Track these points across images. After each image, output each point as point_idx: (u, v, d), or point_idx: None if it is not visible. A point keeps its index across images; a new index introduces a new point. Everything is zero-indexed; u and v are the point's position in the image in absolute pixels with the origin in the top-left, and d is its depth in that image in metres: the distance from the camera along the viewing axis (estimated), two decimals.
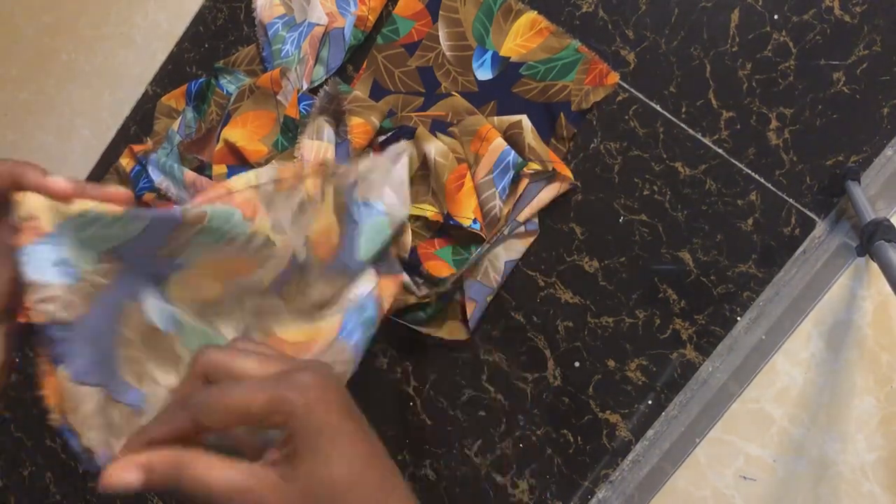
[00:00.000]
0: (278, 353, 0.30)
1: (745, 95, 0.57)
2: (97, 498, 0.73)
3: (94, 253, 0.30)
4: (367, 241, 0.47)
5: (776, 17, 0.56)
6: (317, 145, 0.62)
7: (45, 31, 0.80)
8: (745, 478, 0.56)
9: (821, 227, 0.56)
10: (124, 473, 0.26)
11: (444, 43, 0.64)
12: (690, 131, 0.58)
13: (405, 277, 0.56)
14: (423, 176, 0.60)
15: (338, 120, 0.64)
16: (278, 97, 0.66)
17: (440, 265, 0.57)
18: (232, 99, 0.68)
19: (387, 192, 0.49)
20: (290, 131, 0.65)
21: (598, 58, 0.60)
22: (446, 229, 0.59)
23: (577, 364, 0.59)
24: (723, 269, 0.57)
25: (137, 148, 0.71)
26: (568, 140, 0.60)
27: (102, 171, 0.76)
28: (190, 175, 0.64)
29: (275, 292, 0.41)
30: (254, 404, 0.26)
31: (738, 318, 0.57)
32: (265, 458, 0.27)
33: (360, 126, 0.61)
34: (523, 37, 0.62)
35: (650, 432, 0.58)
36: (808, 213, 0.56)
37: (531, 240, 0.61)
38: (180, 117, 0.72)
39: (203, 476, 0.26)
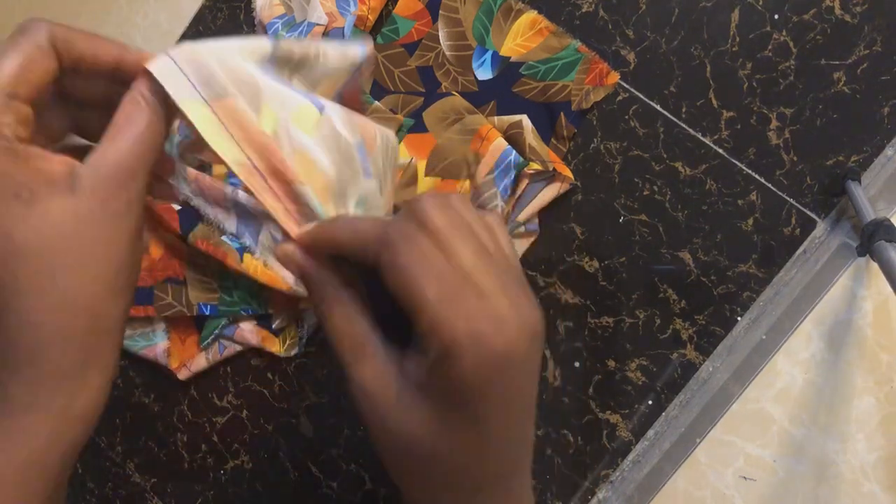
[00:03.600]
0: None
1: (745, 95, 0.57)
2: (96, 498, 0.73)
3: None
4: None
5: (776, 16, 0.56)
6: None
7: None
8: (745, 478, 0.56)
9: (821, 227, 0.56)
10: (288, 266, 0.25)
11: (444, 43, 0.63)
12: (691, 131, 0.58)
13: None
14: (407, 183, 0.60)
15: None
16: None
17: None
18: None
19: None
20: None
21: (598, 57, 0.60)
22: None
23: (577, 364, 0.59)
24: (723, 269, 0.57)
25: None
26: (568, 140, 0.60)
27: None
28: (192, 172, 0.64)
29: None
30: (424, 300, 0.19)
31: (739, 318, 0.57)
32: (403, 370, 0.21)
33: None
34: (523, 36, 0.61)
35: (650, 432, 0.58)
36: (809, 212, 0.56)
37: (531, 240, 0.61)
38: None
39: (337, 327, 0.23)
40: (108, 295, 0.24)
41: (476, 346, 0.18)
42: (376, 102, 0.63)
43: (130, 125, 0.26)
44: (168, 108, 0.27)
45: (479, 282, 0.19)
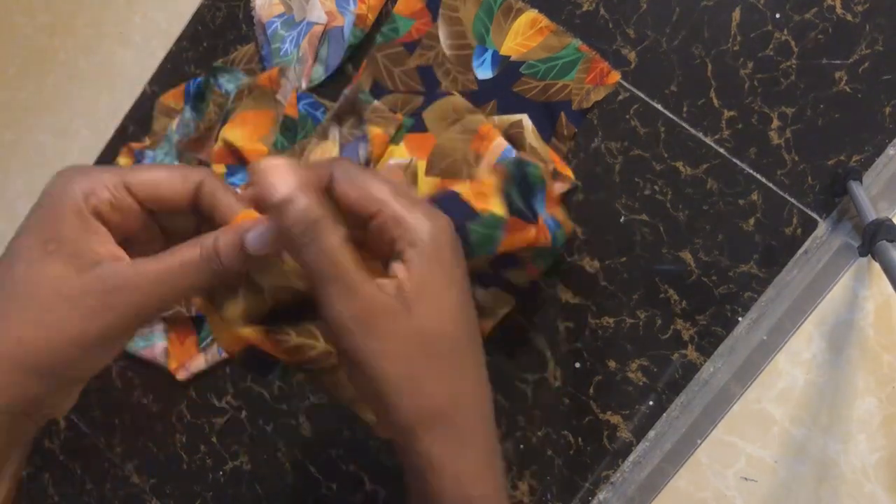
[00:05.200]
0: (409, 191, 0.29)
1: (746, 95, 0.57)
2: (95, 499, 0.73)
3: None
4: None
5: (778, 15, 0.56)
6: (322, 145, 0.62)
7: (43, 30, 0.80)
8: (746, 479, 0.56)
9: (822, 227, 0.56)
10: (278, 176, 0.24)
11: (444, 42, 0.63)
12: (692, 131, 0.58)
13: None
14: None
15: (341, 121, 0.64)
16: (277, 96, 0.65)
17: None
18: (231, 98, 0.67)
19: None
20: (290, 130, 0.65)
21: (598, 57, 0.59)
22: None
23: (577, 365, 0.59)
24: (724, 269, 0.57)
25: (136, 145, 0.71)
26: (568, 139, 0.60)
27: None
28: None
29: None
30: (390, 209, 0.25)
31: (740, 319, 0.56)
32: (382, 280, 0.25)
33: (379, 136, 0.61)
34: (524, 35, 0.61)
35: (651, 433, 0.58)
36: (810, 212, 0.56)
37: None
38: (179, 116, 0.72)
39: (336, 251, 0.24)
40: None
41: (431, 235, 0.25)
42: (376, 102, 0.63)
43: (175, 260, 0.26)
44: (226, 271, 0.27)
45: (415, 199, 0.26)
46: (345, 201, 0.26)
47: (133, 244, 0.28)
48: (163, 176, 0.28)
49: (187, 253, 0.26)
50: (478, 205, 0.43)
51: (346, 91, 0.63)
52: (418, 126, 0.63)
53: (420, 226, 0.25)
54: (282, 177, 0.24)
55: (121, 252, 0.26)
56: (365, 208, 0.26)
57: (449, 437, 0.27)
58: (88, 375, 0.28)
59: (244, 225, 0.26)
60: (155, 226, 0.29)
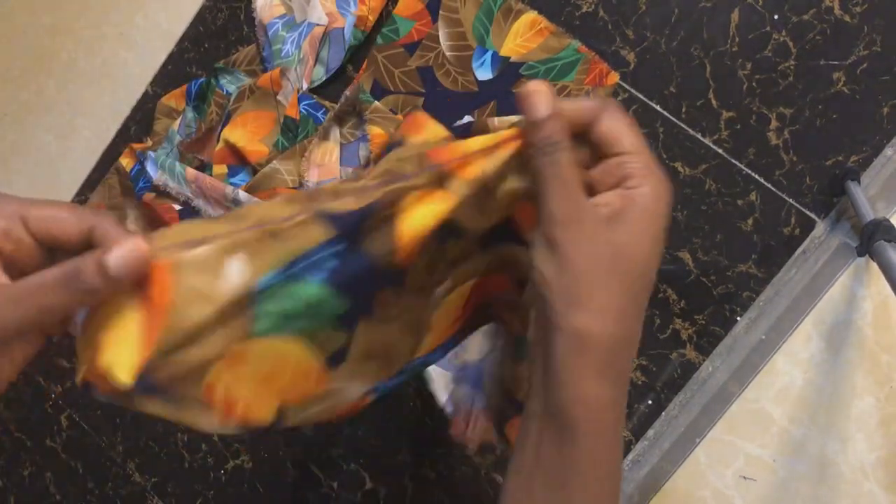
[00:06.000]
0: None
1: (745, 95, 0.57)
2: (97, 498, 0.73)
3: None
4: None
5: (776, 17, 0.56)
6: (323, 146, 0.63)
7: (45, 31, 0.80)
8: (745, 478, 0.56)
9: (821, 227, 0.56)
10: (543, 99, 0.30)
11: (444, 43, 0.64)
12: (690, 131, 0.58)
13: None
14: None
15: (342, 122, 0.64)
16: (278, 97, 0.66)
17: None
18: (232, 99, 0.68)
19: None
20: (291, 131, 0.65)
21: (598, 58, 0.60)
22: None
23: None
24: (723, 268, 0.57)
25: (137, 146, 0.71)
26: None
27: (103, 170, 0.76)
28: (192, 172, 0.64)
29: None
30: (641, 156, 0.29)
31: (738, 318, 0.57)
32: (598, 198, 0.30)
33: (379, 136, 0.61)
34: (523, 37, 0.62)
35: (650, 432, 0.58)
36: (808, 213, 0.56)
37: None
38: (180, 117, 0.72)
39: (567, 166, 0.29)
40: None
41: (657, 192, 0.29)
42: (376, 103, 0.63)
43: (37, 279, 0.27)
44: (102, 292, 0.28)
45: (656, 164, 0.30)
46: (604, 136, 0.31)
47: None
48: (60, 215, 0.29)
49: (50, 273, 0.27)
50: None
51: (347, 92, 0.63)
52: None
53: (654, 182, 0.29)
54: (543, 102, 0.30)
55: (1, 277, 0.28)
56: (615, 147, 0.30)
57: (593, 348, 0.30)
58: None
59: (107, 247, 0.28)
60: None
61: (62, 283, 0.27)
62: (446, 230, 0.36)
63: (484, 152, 0.35)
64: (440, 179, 0.34)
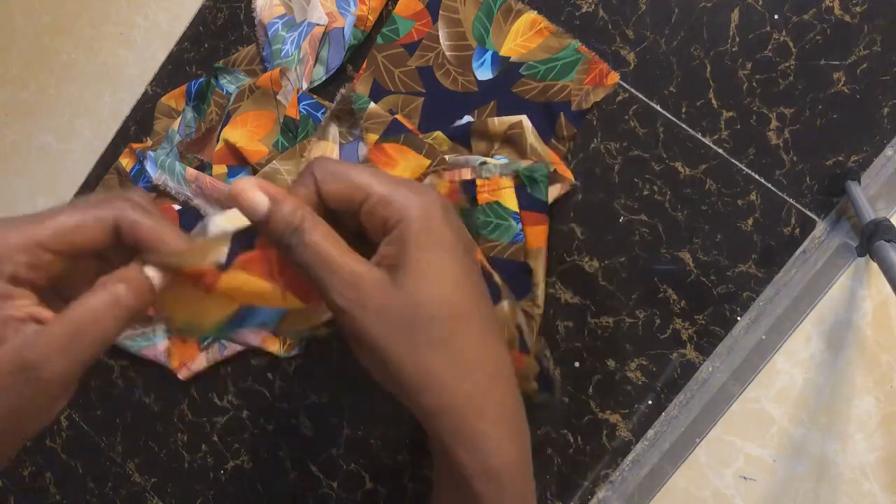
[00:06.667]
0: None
1: (745, 95, 0.57)
2: (96, 498, 0.73)
3: None
4: None
5: (776, 16, 0.56)
6: (322, 145, 0.63)
7: (44, 30, 0.80)
8: (745, 478, 0.56)
9: (821, 227, 0.56)
10: (255, 194, 0.25)
11: (444, 43, 0.64)
12: (690, 131, 0.58)
13: None
14: None
15: (340, 120, 0.64)
16: (278, 97, 0.66)
17: None
18: (232, 99, 0.68)
19: None
20: (291, 131, 0.65)
21: (598, 58, 0.60)
22: None
23: (576, 364, 0.59)
24: (723, 268, 0.57)
25: (137, 146, 0.71)
26: (568, 140, 0.60)
27: (103, 170, 0.76)
28: (191, 172, 0.64)
29: None
30: (374, 191, 0.26)
31: (739, 318, 0.57)
32: (374, 258, 0.27)
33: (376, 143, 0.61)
34: (523, 37, 0.62)
35: (650, 432, 0.58)
36: (808, 212, 0.56)
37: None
38: (180, 117, 0.72)
39: (320, 242, 0.25)
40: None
41: (420, 208, 0.26)
42: (371, 106, 0.63)
43: (85, 312, 0.25)
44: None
45: (399, 180, 0.27)
46: (334, 197, 0.27)
47: (64, 288, 0.28)
48: (73, 223, 0.27)
49: (93, 301, 0.25)
50: (486, 196, 0.49)
51: (343, 90, 0.63)
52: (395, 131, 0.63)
53: (407, 201, 0.26)
54: (257, 193, 0.25)
55: (41, 312, 0.26)
56: (352, 198, 0.27)
57: (461, 410, 0.27)
58: (21, 444, 0.28)
59: (145, 259, 0.27)
60: (87, 261, 0.29)
61: (113, 306, 0.25)
62: None
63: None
64: None
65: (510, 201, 0.56)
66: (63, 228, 0.26)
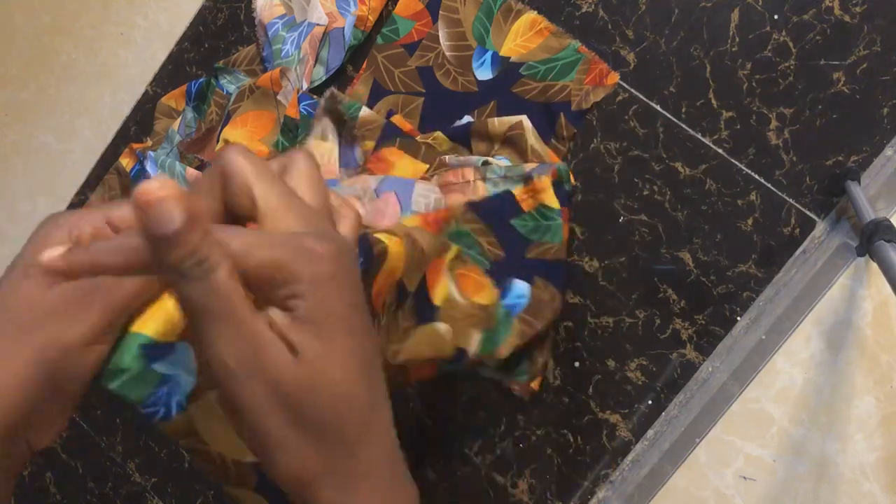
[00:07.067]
0: (303, 204, 0.25)
1: (745, 95, 0.57)
2: (97, 498, 0.73)
3: None
4: None
5: (776, 16, 0.56)
6: (321, 146, 0.63)
7: (44, 30, 0.80)
8: (745, 478, 0.56)
9: (821, 227, 0.56)
10: (172, 206, 0.19)
11: (444, 43, 0.64)
12: (690, 131, 0.58)
13: None
14: None
15: (339, 122, 0.64)
16: (278, 97, 0.66)
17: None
18: (232, 99, 0.68)
19: None
20: (291, 131, 0.65)
21: (598, 58, 0.60)
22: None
23: (576, 364, 0.59)
24: (723, 268, 0.57)
25: (137, 146, 0.71)
26: (568, 140, 0.60)
27: (103, 170, 0.76)
28: (192, 172, 0.64)
29: None
30: (255, 257, 0.22)
31: (738, 318, 0.57)
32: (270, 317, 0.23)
33: (371, 149, 0.61)
34: (523, 37, 0.62)
35: (650, 432, 0.58)
36: (808, 212, 0.56)
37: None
38: (180, 117, 0.72)
39: (227, 285, 0.21)
40: None
41: (308, 261, 0.22)
42: (363, 112, 0.61)
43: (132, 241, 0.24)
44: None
45: (298, 224, 0.24)
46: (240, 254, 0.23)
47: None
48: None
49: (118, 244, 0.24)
50: (530, 203, 0.50)
51: (323, 101, 0.62)
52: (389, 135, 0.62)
53: (302, 271, 0.22)
54: (174, 205, 0.20)
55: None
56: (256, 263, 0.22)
57: (336, 494, 0.26)
58: (77, 387, 0.28)
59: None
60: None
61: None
62: (401, 288, 0.38)
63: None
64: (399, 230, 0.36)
65: (552, 200, 0.55)
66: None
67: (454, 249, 0.48)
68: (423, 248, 0.41)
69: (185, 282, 0.21)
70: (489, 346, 0.50)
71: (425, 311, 0.43)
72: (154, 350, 0.28)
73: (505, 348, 0.51)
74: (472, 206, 0.53)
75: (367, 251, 0.35)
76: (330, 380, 0.23)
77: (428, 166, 0.59)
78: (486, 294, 0.49)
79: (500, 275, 0.53)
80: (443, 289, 0.45)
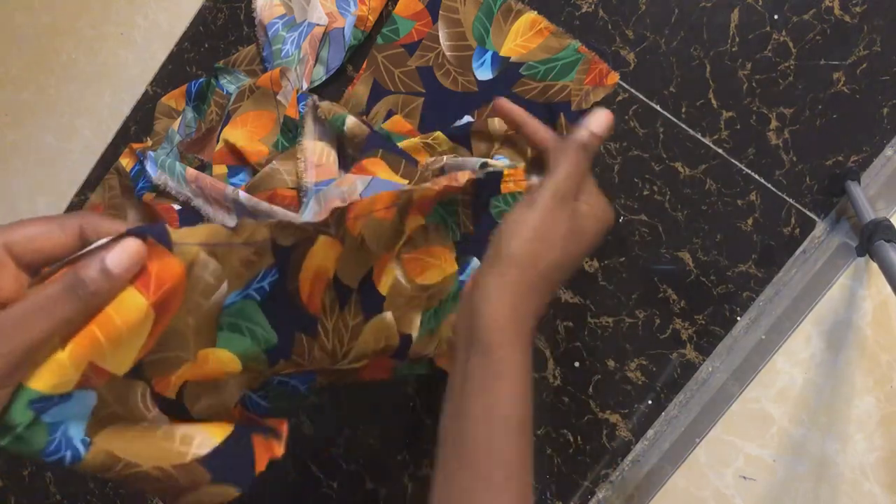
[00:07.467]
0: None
1: (745, 95, 0.57)
2: (97, 498, 0.73)
3: None
4: None
5: (776, 17, 0.56)
6: (320, 146, 0.62)
7: (45, 30, 0.80)
8: (744, 478, 0.56)
9: (821, 227, 0.56)
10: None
11: (444, 43, 0.64)
12: (690, 131, 0.58)
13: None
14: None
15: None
16: (278, 97, 0.66)
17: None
18: (232, 99, 0.68)
19: None
20: (291, 131, 0.65)
21: (598, 58, 0.60)
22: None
23: (576, 364, 0.59)
24: (723, 268, 0.57)
25: (137, 146, 0.71)
26: None
27: (103, 170, 0.76)
28: (192, 172, 0.64)
29: None
30: (541, 133, 0.43)
31: (738, 318, 0.57)
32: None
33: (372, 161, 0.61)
34: (523, 37, 0.62)
35: (650, 432, 0.58)
36: (808, 212, 0.56)
37: None
38: (180, 117, 0.72)
39: (584, 153, 0.41)
40: None
41: (567, 173, 0.40)
42: (348, 123, 0.60)
43: (40, 297, 0.26)
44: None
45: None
46: (524, 129, 0.45)
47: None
48: (38, 230, 0.27)
49: (51, 287, 0.26)
50: (511, 186, 0.50)
51: (311, 99, 0.62)
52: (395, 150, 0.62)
53: (563, 161, 0.39)
54: (607, 123, 0.42)
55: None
56: (525, 131, 0.45)
57: (506, 286, 0.36)
58: None
59: (103, 246, 0.27)
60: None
61: (69, 291, 0.26)
62: (340, 286, 0.38)
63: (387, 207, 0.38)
64: (338, 228, 0.36)
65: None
66: (28, 233, 0.27)
67: (409, 231, 0.47)
68: (367, 245, 0.41)
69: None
70: (432, 322, 0.49)
71: (372, 302, 0.43)
72: (45, 403, 0.27)
73: (446, 326, 0.50)
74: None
75: (285, 252, 0.35)
76: (551, 229, 0.38)
77: (408, 181, 0.57)
78: (432, 273, 0.48)
79: (465, 251, 0.52)
80: (389, 276, 0.45)
